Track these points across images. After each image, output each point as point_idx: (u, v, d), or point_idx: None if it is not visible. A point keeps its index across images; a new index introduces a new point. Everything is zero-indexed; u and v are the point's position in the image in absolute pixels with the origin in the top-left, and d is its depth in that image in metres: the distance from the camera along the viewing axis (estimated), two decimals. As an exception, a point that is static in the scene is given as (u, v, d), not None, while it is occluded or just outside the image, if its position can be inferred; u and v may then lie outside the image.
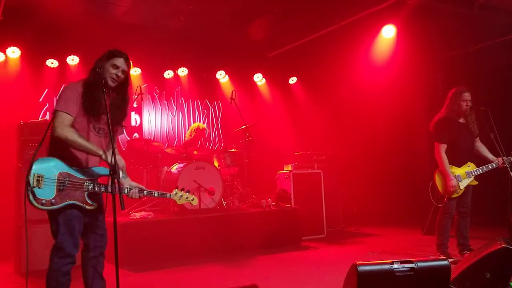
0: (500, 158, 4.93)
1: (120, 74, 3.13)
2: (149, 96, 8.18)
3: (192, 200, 3.47)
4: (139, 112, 8.10)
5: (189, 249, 5.64)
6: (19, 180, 4.88)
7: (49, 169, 2.95)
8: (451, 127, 5.11)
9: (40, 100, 7.06)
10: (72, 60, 7.23)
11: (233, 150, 7.15)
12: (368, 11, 6.45)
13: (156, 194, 3.32)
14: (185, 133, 8.15)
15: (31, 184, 2.87)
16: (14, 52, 6.71)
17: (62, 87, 3.09)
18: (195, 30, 7.16)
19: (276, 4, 6.51)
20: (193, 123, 7.87)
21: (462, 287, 3.30)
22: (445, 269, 2.90)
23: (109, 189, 2.91)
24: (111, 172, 2.76)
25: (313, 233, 6.92)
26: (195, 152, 7.09)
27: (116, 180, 2.76)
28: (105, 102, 2.96)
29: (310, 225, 6.88)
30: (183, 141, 7.69)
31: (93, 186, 3.08)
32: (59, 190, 2.95)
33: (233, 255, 5.68)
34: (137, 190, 3.20)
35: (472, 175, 5.04)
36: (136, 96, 7.06)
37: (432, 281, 2.88)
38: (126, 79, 3.21)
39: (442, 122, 5.14)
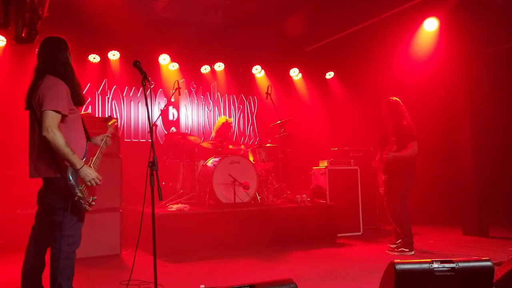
0: None
1: None
2: (186, 90, 8.31)
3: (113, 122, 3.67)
4: (177, 106, 8.23)
5: (224, 241, 5.70)
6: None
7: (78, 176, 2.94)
8: None
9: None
10: (113, 55, 7.43)
11: (268, 145, 7.14)
12: (409, 3, 6.29)
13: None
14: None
15: (82, 196, 2.90)
16: (58, 48, 6.94)
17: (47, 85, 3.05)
18: (232, 24, 7.18)
19: (314, -2, 6.44)
20: (229, 117, 7.87)
21: (505, 290, 3.18)
22: (488, 270, 2.80)
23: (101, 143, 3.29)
24: (150, 164, 2.80)
25: (349, 231, 6.84)
26: (230, 147, 7.13)
27: (154, 172, 2.81)
28: None
29: (345, 222, 6.81)
30: (212, 138, 7.41)
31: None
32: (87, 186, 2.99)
33: (267, 249, 5.70)
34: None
35: None
36: (173, 91, 7.18)
37: (474, 282, 2.79)
38: None
39: None
